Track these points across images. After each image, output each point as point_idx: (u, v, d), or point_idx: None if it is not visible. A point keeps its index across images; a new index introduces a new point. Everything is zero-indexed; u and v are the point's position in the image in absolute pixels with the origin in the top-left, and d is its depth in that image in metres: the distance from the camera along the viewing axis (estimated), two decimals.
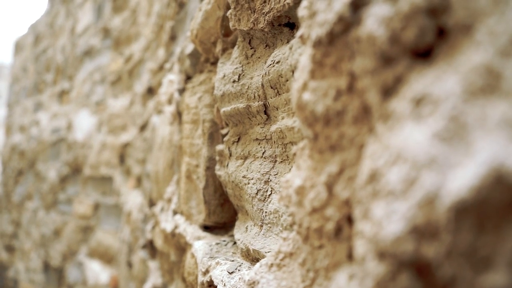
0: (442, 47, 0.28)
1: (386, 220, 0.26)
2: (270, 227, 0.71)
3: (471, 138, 0.23)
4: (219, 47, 0.97)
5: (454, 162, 0.23)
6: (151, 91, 2.03)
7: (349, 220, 0.39)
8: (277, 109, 0.71)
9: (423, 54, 0.30)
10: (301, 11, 0.47)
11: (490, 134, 0.22)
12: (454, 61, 0.27)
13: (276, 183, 0.70)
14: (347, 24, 0.34)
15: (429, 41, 0.29)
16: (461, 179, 0.22)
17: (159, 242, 1.40)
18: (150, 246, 1.63)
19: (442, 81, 0.27)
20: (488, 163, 0.21)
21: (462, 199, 0.21)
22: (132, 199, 2.11)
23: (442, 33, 0.29)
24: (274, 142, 0.72)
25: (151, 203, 1.74)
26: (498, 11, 0.24)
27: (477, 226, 0.22)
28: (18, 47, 5.58)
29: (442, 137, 0.25)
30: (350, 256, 0.39)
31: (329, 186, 0.39)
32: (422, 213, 0.24)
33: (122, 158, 2.59)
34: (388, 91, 0.32)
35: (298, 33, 0.46)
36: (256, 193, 0.75)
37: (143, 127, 2.13)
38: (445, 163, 0.24)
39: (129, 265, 2.03)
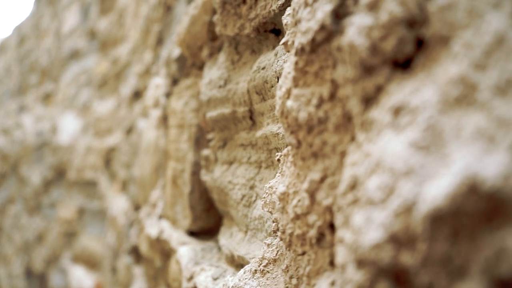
0: (421, 57, 0.29)
1: (365, 228, 0.26)
2: (255, 233, 0.71)
3: (447, 148, 0.24)
4: (205, 52, 0.97)
5: (430, 172, 0.24)
6: (137, 95, 2.01)
7: (332, 227, 0.39)
8: (262, 115, 0.71)
9: (403, 65, 0.30)
10: (285, 19, 0.47)
11: (465, 145, 0.22)
12: (432, 72, 0.27)
13: (261, 189, 0.70)
14: (329, 32, 0.35)
15: (408, 51, 0.29)
16: (437, 188, 0.22)
17: (144, 247, 1.39)
18: (135, 251, 1.61)
19: (421, 91, 0.27)
20: (463, 173, 0.21)
21: (437, 207, 0.21)
22: (117, 204, 2.08)
23: (421, 45, 0.29)
24: (260, 147, 0.72)
25: (137, 208, 1.72)
26: (474, 24, 0.25)
27: (452, 234, 0.22)
28: (2, 48, 5.48)
29: (420, 147, 0.25)
30: (332, 263, 0.40)
31: (312, 193, 0.39)
32: (400, 221, 0.24)
33: (107, 162, 2.56)
34: (369, 100, 0.32)
35: (282, 40, 0.47)
36: (241, 199, 0.75)
37: (129, 131, 2.11)
38: (422, 173, 0.24)
39: (114, 270, 2.00)
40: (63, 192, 3.23)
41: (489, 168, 0.20)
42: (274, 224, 0.52)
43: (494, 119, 0.21)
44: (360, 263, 0.27)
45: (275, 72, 0.63)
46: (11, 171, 4.27)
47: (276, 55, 0.65)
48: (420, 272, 0.23)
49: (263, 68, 0.68)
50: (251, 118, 0.75)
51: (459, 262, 0.22)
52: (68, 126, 3.22)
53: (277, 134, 0.64)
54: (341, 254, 0.31)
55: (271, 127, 0.66)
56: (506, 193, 0.19)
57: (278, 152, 0.64)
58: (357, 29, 0.31)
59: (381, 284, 0.26)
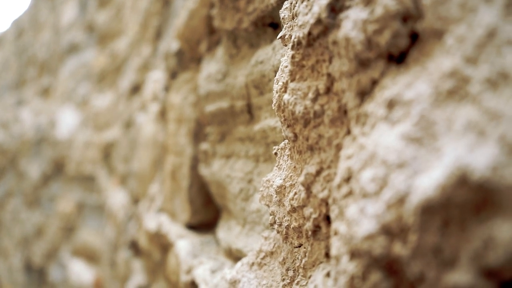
0: (415, 51, 0.29)
1: (359, 219, 0.27)
2: (253, 226, 0.71)
3: (439, 141, 0.24)
4: (204, 46, 0.97)
5: (422, 164, 0.24)
6: (136, 89, 2.01)
7: (327, 219, 0.40)
8: (260, 108, 0.71)
9: (398, 59, 0.31)
10: (283, 13, 0.47)
11: (456, 137, 0.23)
12: (426, 65, 0.28)
13: (259, 183, 0.71)
14: (325, 26, 0.35)
15: (403, 45, 0.30)
16: (428, 179, 0.22)
17: (143, 241, 1.40)
18: (134, 245, 1.62)
19: (414, 85, 0.27)
20: (453, 165, 0.21)
21: (428, 198, 0.22)
22: (116, 198, 2.09)
23: (415, 39, 0.30)
24: (258, 141, 0.72)
25: (136, 202, 1.73)
26: (467, 18, 0.25)
27: (442, 225, 0.22)
28: (0, 42, 5.46)
29: (413, 140, 0.25)
30: (328, 255, 0.40)
31: (308, 186, 0.40)
32: (392, 212, 0.25)
33: (106, 156, 2.57)
34: (364, 94, 0.32)
35: (280, 34, 0.47)
36: (239, 192, 0.76)
37: (127, 125, 2.11)
38: (415, 165, 0.24)
39: (113, 264, 2.01)
40: (62, 186, 3.23)
41: (478, 160, 0.20)
42: (271, 217, 0.52)
43: (485, 112, 0.22)
44: (354, 254, 0.28)
45: (273, 66, 0.63)
46: (9, 166, 4.27)
47: (273, 49, 0.65)
48: (411, 263, 0.24)
49: (261, 62, 0.68)
50: (249, 112, 0.76)
51: (449, 252, 0.22)
52: (67, 120, 3.22)
53: (275, 128, 0.64)
54: (336, 246, 0.32)
55: (268, 121, 0.67)
56: (494, 184, 0.20)
57: (275, 145, 0.65)
58: (352, 23, 0.31)
59: (374, 275, 0.26)
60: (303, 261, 0.43)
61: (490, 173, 0.20)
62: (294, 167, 0.44)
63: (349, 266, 0.28)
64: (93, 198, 2.75)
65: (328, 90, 0.37)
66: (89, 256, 2.68)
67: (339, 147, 0.36)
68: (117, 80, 2.52)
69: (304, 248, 0.43)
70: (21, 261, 3.79)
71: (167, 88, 1.26)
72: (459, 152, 0.22)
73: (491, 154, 0.20)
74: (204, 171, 0.93)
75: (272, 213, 0.51)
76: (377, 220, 0.25)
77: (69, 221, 3.04)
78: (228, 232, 0.82)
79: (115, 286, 1.91)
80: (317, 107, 0.38)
